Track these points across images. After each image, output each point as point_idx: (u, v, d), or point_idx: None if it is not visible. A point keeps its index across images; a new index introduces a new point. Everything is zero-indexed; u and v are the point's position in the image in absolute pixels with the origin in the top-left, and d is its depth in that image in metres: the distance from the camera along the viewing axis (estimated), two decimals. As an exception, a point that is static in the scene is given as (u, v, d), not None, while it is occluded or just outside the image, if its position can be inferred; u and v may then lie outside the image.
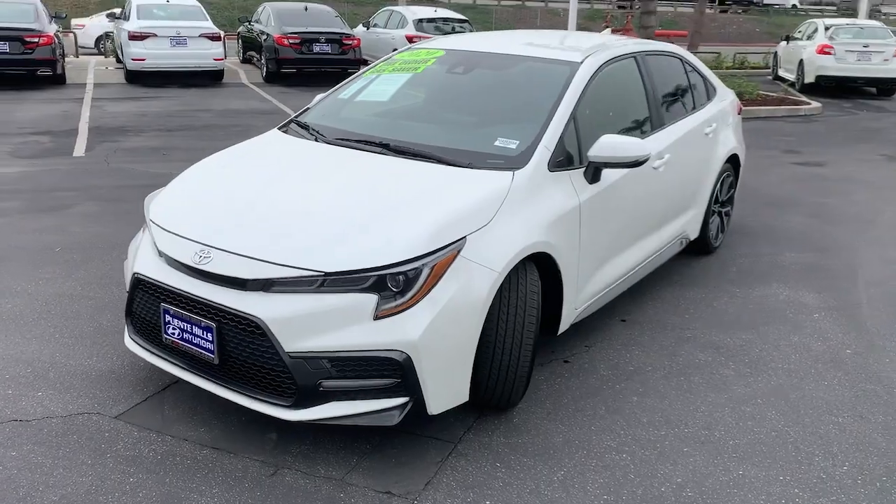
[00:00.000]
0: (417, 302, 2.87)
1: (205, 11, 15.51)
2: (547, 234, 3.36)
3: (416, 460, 3.04)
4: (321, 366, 2.83)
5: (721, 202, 5.64)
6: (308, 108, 4.42)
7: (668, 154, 4.48)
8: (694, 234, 5.28)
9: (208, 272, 2.98)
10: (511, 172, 3.40)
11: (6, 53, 12.98)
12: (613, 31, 23.28)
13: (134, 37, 14.11)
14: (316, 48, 15.09)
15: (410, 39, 16.03)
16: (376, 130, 3.95)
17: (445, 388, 3.00)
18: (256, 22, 16.75)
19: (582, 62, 4.08)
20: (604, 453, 3.15)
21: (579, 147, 3.74)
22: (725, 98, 5.67)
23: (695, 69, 5.31)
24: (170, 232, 3.23)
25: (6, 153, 8.20)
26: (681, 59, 5.16)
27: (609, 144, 3.65)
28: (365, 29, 18.12)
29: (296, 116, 4.33)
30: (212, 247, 3.03)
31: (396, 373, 2.85)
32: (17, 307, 4.31)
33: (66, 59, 15.18)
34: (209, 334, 2.97)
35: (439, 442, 3.17)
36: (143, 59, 14.10)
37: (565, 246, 3.52)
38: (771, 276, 5.30)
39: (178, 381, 3.46)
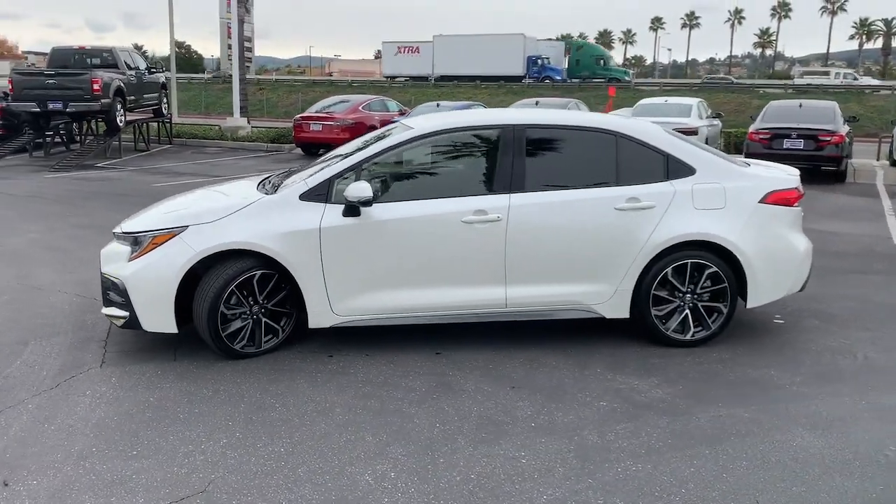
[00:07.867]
0: (140, 256, 4.81)
1: None
2: (271, 241, 4.75)
3: (143, 363, 4.88)
4: (109, 282, 5.00)
5: (696, 294, 5.10)
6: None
7: (499, 215, 4.86)
8: (613, 312, 5.12)
9: (115, 232, 5.43)
10: (263, 195, 4.91)
11: (800, 150, 14.13)
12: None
13: None
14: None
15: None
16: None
17: (153, 316, 4.81)
18: None
19: (414, 127, 5.06)
20: (201, 403, 4.30)
21: (354, 188, 4.85)
22: (713, 181, 5.09)
23: (644, 146, 5.09)
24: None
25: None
26: (615, 136, 5.10)
27: (353, 188, 4.73)
28: None
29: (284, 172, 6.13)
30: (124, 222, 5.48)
31: (121, 294, 4.83)
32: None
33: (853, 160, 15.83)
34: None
35: (167, 359, 4.92)
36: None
37: (299, 257, 4.79)
38: (681, 373, 4.68)
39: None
